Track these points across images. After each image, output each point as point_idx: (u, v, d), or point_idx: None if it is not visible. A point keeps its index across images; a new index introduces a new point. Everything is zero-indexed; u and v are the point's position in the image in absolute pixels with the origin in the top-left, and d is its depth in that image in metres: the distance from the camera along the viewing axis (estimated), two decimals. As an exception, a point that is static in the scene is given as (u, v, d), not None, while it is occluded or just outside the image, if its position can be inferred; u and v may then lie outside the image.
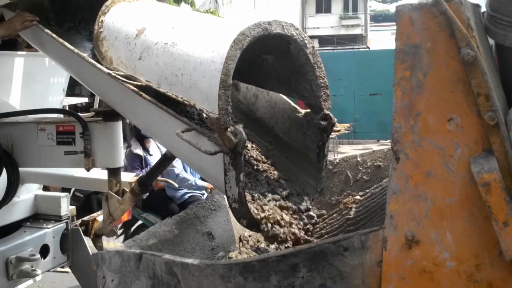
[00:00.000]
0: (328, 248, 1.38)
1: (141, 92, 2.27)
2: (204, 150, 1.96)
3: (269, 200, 2.23)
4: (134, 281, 1.69)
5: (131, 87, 2.30)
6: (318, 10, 40.05)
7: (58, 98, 4.42)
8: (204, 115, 2.29)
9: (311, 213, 2.21)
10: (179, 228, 2.29)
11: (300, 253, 1.41)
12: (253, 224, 2.10)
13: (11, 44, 3.98)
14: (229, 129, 1.95)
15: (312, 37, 34.71)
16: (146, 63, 2.33)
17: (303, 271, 1.39)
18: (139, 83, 2.31)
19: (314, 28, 38.87)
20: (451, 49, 1.27)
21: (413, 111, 1.33)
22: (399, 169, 1.35)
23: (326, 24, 38.94)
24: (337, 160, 2.95)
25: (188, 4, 12.20)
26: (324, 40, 37.07)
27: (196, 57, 2.10)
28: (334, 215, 2.59)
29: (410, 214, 1.35)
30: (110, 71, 2.41)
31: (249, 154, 2.36)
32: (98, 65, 2.49)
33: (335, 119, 2.33)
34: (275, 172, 2.39)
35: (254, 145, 2.47)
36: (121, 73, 2.42)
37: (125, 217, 4.94)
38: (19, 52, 4.01)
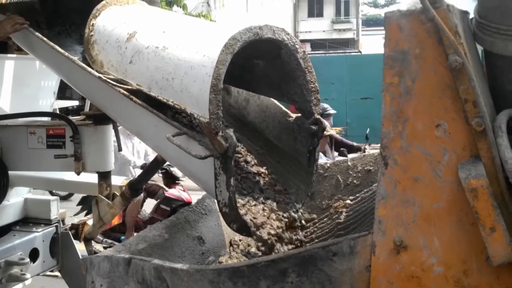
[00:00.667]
0: (317, 253, 1.39)
1: (131, 96, 2.27)
2: (194, 154, 1.96)
3: (258, 204, 2.24)
4: (123, 286, 1.68)
5: (122, 91, 2.30)
6: (310, 14, 40.18)
7: (49, 102, 4.40)
8: (195, 120, 2.28)
9: (298, 217, 2.22)
10: (169, 232, 2.28)
11: (289, 258, 1.41)
12: (243, 228, 2.10)
13: (1, 47, 3.96)
14: (219, 134, 1.95)
15: (304, 41, 34.84)
16: (137, 67, 2.33)
17: (292, 276, 1.39)
18: (129, 87, 2.31)
19: (306, 32, 38.98)
20: (439, 56, 1.28)
21: (401, 117, 1.34)
22: (387, 174, 1.36)
23: (318, 28, 39.06)
24: (328, 165, 2.95)
25: (180, 7, 12.22)
26: (316, 44, 37.17)
27: (187, 62, 2.10)
28: (325, 219, 2.59)
29: (398, 219, 1.35)
30: (100, 75, 2.41)
31: (243, 159, 2.36)
32: (89, 69, 2.48)
33: (326, 123, 2.34)
34: (266, 177, 2.39)
35: (244, 149, 2.47)
36: (112, 77, 2.41)
37: (116, 221, 4.93)
38: (9, 55, 3.99)
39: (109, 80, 2.35)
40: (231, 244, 2.59)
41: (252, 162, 2.41)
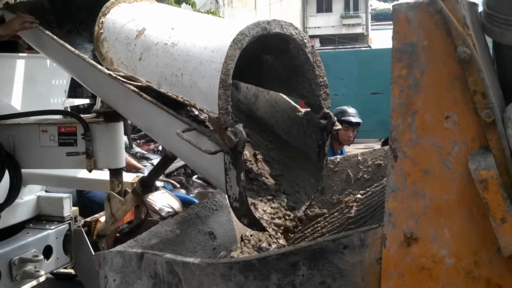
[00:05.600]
0: (328, 246, 1.39)
1: (141, 93, 2.28)
2: (204, 150, 1.97)
3: (267, 201, 2.25)
4: (136, 281, 1.70)
5: (132, 87, 2.32)
6: (319, 10, 40.03)
7: (60, 100, 4.44)
8: (204, 115, 2.30)
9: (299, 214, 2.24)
10: (180, 228, 2.29)
11: (299, 251, 1.41)
12: (254, 223, 2.11)
13: (13, 46, 4.00)
14: (229, 129, 1.96)
15: (313, 36, 34.71)
16: (146, 64, 2.34)
17: (303, 269, 1.40)
18: (139, 84, 2.32)
19: (315, 27, 38.84)
20: (448, 47, 1.27)
21: (410, 109, 1.34)
22: (397, 167, 1.36)
23: (327, 23, 38.91)
24: (338, 159, 2.95)
25: (189, 4, 12.21)
26: (325, 40, 37.03)
27: (196, 57, 2.11)
28: (335, 214, 2.60)
29: (408, 211, 1.35)
30: (110, 72, 2.42)
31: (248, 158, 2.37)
32: (99, 66, 2.50)
33: (335, 118, 2.33)
34: (274, 173, 2.40)
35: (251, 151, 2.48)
36: (122, 74, 2.43)
37: (128, 218, 4.95)
38: (20, 54, 4.04)
39: (119, 77, 2.37)
40: (242, 239, 2.60)
41: (259, 163, 2.42)
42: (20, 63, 4.01)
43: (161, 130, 2.36)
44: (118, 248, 1.98)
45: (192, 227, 2.34)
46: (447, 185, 1.32)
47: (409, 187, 1.35)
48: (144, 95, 2.28)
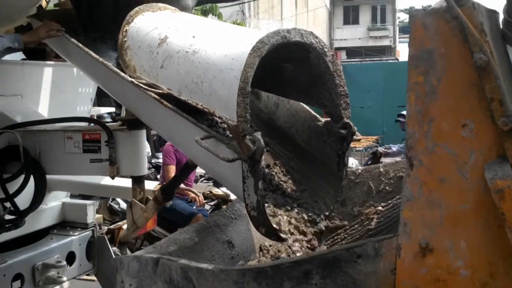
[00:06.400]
0: (341, 255, 1.37)
1: (162, 100, 2.30)
2: (222, 157, 1.97)
3: (286, 211, 2.23)
4: (151, 286, 1.70)
5: (153, 95, 2.34)
6: (346, 22, 39.97)
7: (86, 108, 4.52)
8: (221, 122, 2.31)
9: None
10: (199, 236, 2.30)
11: (313, 259, 1.40)
12: (271, 232, 2.10)
13: (41, 54, 4.09)
14: (247, 137, 1.96)
15: (339, 48, 34.66)
16: (168, 71, 2.37)
17: (316, 278, 1.38)
18: (160, 91, 2.34)
19: (341, 39, 38.78)
20: (465, 54, 1.25)
21: (426, 117, 1.32)
22: (413, 175, 1.34)
23: (354, 35, 38.81)
24: (360, 171, 2.92)
25: (215, 15, 12.35)
26: (352, 52, 36.91)
27: (216, 65, 2.12)
28: (356, 226, 2.57)
29: (424, 221, 1.33)
30: (133, 80, 2.45)
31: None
32: (122, 74, 2.54)
33: (355, 128, 2.32)
34: (293, 182, 2.39)
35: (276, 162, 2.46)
36: (144, 82, 2.46)
37: (151, 226, 4.98)
38: (48, 62, 4.12)
39: (140, 85, 2.39)
40: (261, 249, 2.59)
41: (278, 172, 2.41)
42: (47, 71, 4.10)
43: (181, 137, 2.37)
44: (136, 253, 1.99)
45: (210, 236, 2.34)
46: (464, 194, 1.29)
47: (425, 196, 1.33)
48: (165, 102, 2.30)
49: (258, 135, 1.98)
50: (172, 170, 5.82)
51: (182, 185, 6.04)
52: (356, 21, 39.79)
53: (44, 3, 4.20)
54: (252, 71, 1.96)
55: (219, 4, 13.42)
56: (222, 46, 2.17)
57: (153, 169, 7.83)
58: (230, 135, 2.11)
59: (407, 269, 1.34)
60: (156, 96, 2.33)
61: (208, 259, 2.24)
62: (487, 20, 1.32)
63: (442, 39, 1.29)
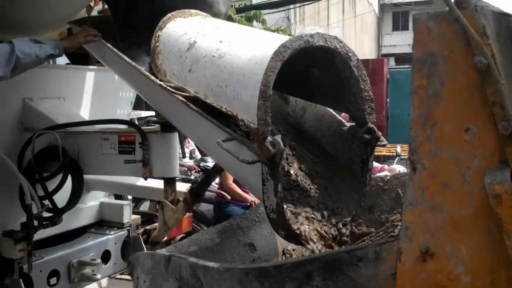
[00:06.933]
0: (342, 257, 1.37)
1: (188, 103, 2.36)
2: (241, 159, 2.00)
3: (308, 214, 2.23)
4: (163, 283, 1.74)
5: (180, 97, 2.40)
6: (395, 28, 39.37)
7: (126, 111, 4.65)
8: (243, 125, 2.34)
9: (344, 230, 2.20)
10: (220, 237, 2.33)
11: (314, 261, 1.40)
12: (291, 235, 2.11)
13: (83, 59, 4.25)
14: (267, 139, 1.98)
15: (388, 55, 34.13)
16: (195, 75, 2.42)
17: (317, 279, 1.39)
18: (187, 94, 2.40)
19: (390, 46, 38.22)
20: (468, 57, 1.24)
21: (430, 120, 1.31)
22: (415, 179, 1.33)
23: (403, 41, 38.11)
24: (388, 177, 2.89)
25: (260, 22, 12.42)
26: (400, 58, 36.28)
27: (240, 69, 2.16)
28: (381, 233, 2.54)
29: (425, 226, 1.31)
30: (161, 83, 2.52)
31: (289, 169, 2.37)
32: (152, 77, 2.61)
33: (380, 133, 2.30)
34: (317, 187, 2.39)
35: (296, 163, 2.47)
36: (172, 85, 2.52)
37: (186, 228, 5.06)
38: (90, 67, 4.27)
39: (168, 88, 2.46)
40: (284, 253, 2.60)
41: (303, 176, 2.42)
42: (90, 75, 4.25)
43: (206, 139, 2.42)
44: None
45: (232, 237, 2.37)
46: (466, 199, 1.27)
47: (427, 201, 1.31)
48: (191, 105, 2.35)
49: (278, 138, 2.00)
50: (230, 176, 5.87)
51: (239, 191, 6.12)
52: (405, 27, 39.08)
53: (86, 12, 4.37)
54: (273, 75, 1.98)
55: (263, 11, 13.52)
56: (246, 51, 2.21)
57: (201, 173, 7.88)
58: (251, 138, 2.14)
59: (408, 273, 1.33)
60: (183, 99, 2.39)
61: (229, 261, 2.27)
62: (493, 23, 1.29)
63: (445, 42, 1.27)
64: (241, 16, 12.29)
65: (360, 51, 28.62)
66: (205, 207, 6.61)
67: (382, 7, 38.94)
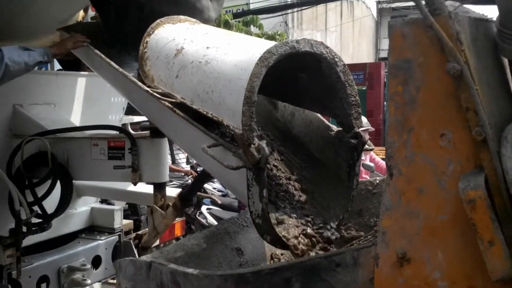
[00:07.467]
0: (320, 263, 1.37)
1: (175, 109, 2.36)
2: (226, 165, 2.00)
3: (295, 219, 2.23)
4: (145, 289, 1.74)
5: (167, 103, 2.40)
6: (392, 33, 39.29)
7: (118, 117, 4.64)
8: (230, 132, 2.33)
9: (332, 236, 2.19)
10: (207, 242, 2.32)
11: (292, 267, 1.40)
12: (277, 240, 2.10)
13: (74, 65, 4.24)
14: (252, 145, 1.98)
15: (386, 59, 34.09)
16: (182, 81, 2.42)
17: (296, 285, 1.38)
18: (173, 100, 2.40)
19: (388, 50, 38.17)
20: (442, 64, 1.23)
21: (406, 126, 1.31)
22: (392, 185, 1.32)
23: (400, 46, 38.12)
24: (377, 181, 2.89)
25: (257, 27, 12.44)
26: (397, 63, 36.27)
27: (225, 75, 2.16)
28: (369, 237, 2.54)
29: (402, 231, 1.31)
30: (148, 89, 2.52)
31: (277, 174, 2.37)
32: (139, 83, 2.61)
33: (366, 138, 2.30)
34: (304, 191, 2.39)
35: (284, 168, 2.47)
36: (159, 91, 2.52)
37: (179, 232, 5.05)
38: (81, 73, 4.26)
39: (155, 94, 2.46)
40: (272, 258, 2.59)
41: (290, 177, 2.42)
42: (81, 81, 4.24)
43: (192, 145, 2.42)
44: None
45: (219, 242, 2.37)
46: (442, 205, 1.27)
47: (404, 206, 1.31)
48: (177, 111, 2.35)
49: (263, 143, 2.00)
50: None
51: None
52: (402, 32, 39.07)
53: (80, 17, 4.38)
54: (258, 81, 1.98)
55: (260, 16, 13.54)
56: (233, 57, 2.21)
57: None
58: (237, 144, 2.14)
59: (385, 279, 1.33)
60: (169, 105, 2.39)
61: (215, 266, 2.27)
62: (469, 28, 1.29)
63: (420, 49, 1.27)
64: (239, 21, 12.30)
65: (358, 54, 28.68)
66: (229, 214, 6.55)
67: (381, 11, 38.97)
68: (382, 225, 1.34)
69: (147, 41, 2.78)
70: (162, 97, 2.44)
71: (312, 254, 2.19)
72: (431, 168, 1.28)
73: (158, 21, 2.85)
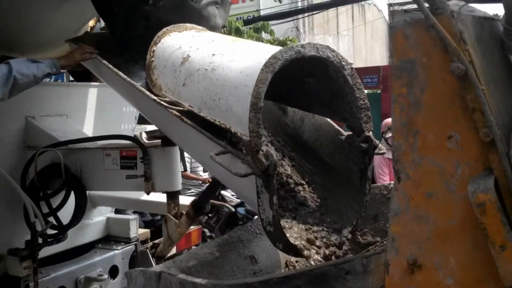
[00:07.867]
0: (330, 271, 1.34)
1: (182, 117, 2.35)
2: (234, 173, 1.98)
3: (308, 225, 2.20)
4: (155, 299, 1.73)
5: (174, 112, 2.39)
6: (405, 33, 39.08)
7: (130, 126, 4.65)
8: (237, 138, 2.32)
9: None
10: (220, 250, 2.30)
11: (301, 275, 1.37)
12: (289, 247, 2.08)
13: (85, 76, 4.27)
14: (260, 152, 1.96)
15: (399, 60, 33.76)
16: (189, 89, 2.41)
17: (306, 293, 1.36)
18: (181, 108, 2.39)
19: (401, 51, 37.89)
20: (446, 64, 1.20)
21: (412, 129, 1.27)
22: (400, 189, 1.29)
23: (414, 47, 37.85)
24: (391, 185, 2.84)
25: (268, 33, 12.42)
26: (412, 63, 36.02)
27: (232, 82, 2.15)
28: (385, 242, 2.49)
29: (411, 237, 1.28)
30: (155, 98, 2.52)
31: (287, 179, 2.34)
32: (146, 92, 2.61)
33: (377, 141, 2.27)
34: (316, 197, 2.36)
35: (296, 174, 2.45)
36: (167, 99, 2.52)
37: (196, 240, 5.03)
38: (92, 83, 4.29)
39: (162, 102, 2.45)
40: (286, 265, 2.56)
41: (302, 182, 2.39)
42: (92, 92, 4.27)
43: (201, 153, 2.40)
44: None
45: (232, 250, 2.34)
46: (451, 209, 1.23)
47: (412, 211, 1.28)
48: (185, 119, 2.34)
49: (271, 150, 1.98)
50: None
51: None
52: (415, 32, 38.81)
53: (88, 29, 4.41)
54: (264, 87, 1.96)
55: (271, 22, 13.52)
56: (238, 63, 2.20)
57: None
58: (245, 151, 2.12)
59: (396, 286, 1.29)
60: (177, 113, 2.38)
61: (229, 274, 2.24)
62: (473, 27, 1.26)
63: (423, 49, 1.24)
64: (249, 28, 12.29)
65: (372, 58, 28.48)
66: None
67: (393, 13, 38.74)
68: (391, 230, 1.31)
69: (154, 50, 2.78)
70: (170, 106, 2.43)
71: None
72: (439, 171, 1.24)
73: (164, 29, 2.85)
